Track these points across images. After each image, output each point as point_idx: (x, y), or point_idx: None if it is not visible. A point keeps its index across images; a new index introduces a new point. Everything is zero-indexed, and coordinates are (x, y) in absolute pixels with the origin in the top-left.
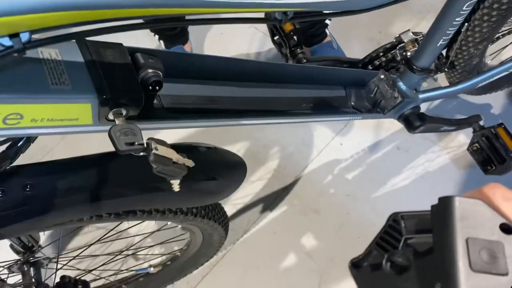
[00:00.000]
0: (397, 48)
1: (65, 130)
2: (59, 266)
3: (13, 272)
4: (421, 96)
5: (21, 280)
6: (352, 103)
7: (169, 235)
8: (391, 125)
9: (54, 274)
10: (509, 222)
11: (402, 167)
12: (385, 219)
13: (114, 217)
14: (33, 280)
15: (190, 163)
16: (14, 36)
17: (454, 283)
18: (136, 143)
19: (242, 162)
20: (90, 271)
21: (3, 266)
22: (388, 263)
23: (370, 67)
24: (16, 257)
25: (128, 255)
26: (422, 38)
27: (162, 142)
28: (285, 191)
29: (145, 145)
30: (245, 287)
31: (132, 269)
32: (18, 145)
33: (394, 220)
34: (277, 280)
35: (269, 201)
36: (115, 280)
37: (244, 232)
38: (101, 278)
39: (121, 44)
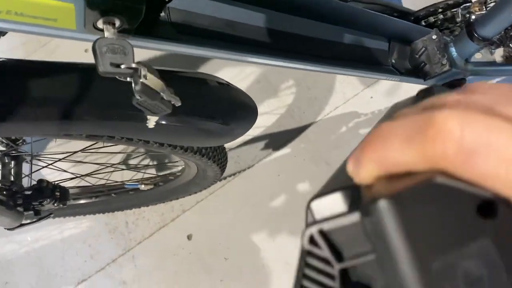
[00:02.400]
0: (461, 7)
1: (39, 30)
2: (43, 165)
3: None
4: (471, 68)
5: None
6: (393, 61)
7: (165, 157)
8: None
9: (30, 174)
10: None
11: None
12: None
13: (87, 138)
14: (11, 174)
15: (177, 101)
16: None
17: None
18: (124, 66)
19: (253, 106)
20: (79, 176)
21: None
22: None
23: (423, 23)
24: None
25: (120, 169)
26: (493, 2)
27: (152, 70)
28: (299, 134)
29: (133, 70)
30: (238, 222)
31: (123, 181)
32: None
33: (312, 242)
34: (272, 222)
35: (280, 141)
36: (104, 187)
37: (247, 167)
38: (87, 186)
39: None
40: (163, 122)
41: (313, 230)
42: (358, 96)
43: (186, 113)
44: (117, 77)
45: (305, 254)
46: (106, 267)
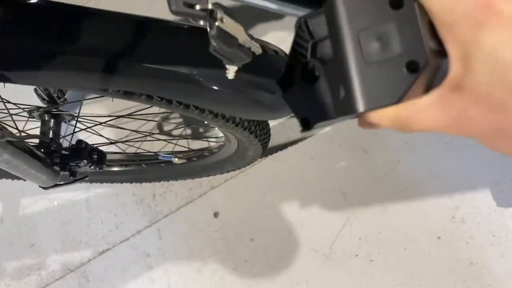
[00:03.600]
0: None
1: None
2: (82, 127)
3: (32, 117)
4: None
5: (38, 128)
6: None
7: (205, 131)
8: None
9: (71, 134)
10: None
11: None
12: (440, 183)
13: (145, 99)
14: (50, 132)
15: (258, 49)
16: None
17: (351, 83)
18: (198, 7)
19: None
20: (114, 142)
21: (23, 109)
22: (300, 78)
23: None
24: (40, 104)
25: (156, 139)
26: None
27: (230, 13)
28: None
29: (209, 11)
30: (267, 203)
31: (157, 152)
32: None
33: (299, 27)
34: (301, 207)
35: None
36: (136, 156)
37: (280, 149)
38: (122, 153)
39: None
40: (218, 88)
41: (302, 19)
42: None
43: (251, 80)
44: (190, 19)
45: (295, 35)
46: (131, 238)
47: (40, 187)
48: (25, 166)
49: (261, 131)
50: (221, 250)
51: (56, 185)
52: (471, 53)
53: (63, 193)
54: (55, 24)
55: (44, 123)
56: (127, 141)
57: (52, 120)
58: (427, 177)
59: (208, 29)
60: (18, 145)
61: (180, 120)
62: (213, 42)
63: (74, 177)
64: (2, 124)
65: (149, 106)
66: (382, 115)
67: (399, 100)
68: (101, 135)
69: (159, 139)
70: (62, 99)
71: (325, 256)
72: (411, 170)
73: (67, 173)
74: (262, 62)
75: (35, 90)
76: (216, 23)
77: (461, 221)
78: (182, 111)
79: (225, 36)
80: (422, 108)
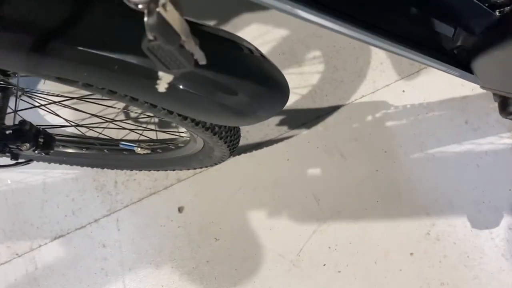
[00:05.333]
0: None
1: None
2: (35, 104)
3: None
4: None
5: None
6: (455, 51)
7: (171, 124)
8: (470, 93)
9: (15, 111)
10: None
11: (461, 144)
12: (418, 197)
13: (83, 86)
14: None
15: (201, 57)
16: None
17: None
18: None
19: (285, 86)
20: (73, 125)
21: None
22: None
23: (497, 12)
24: None
25: (120, 127)
26: None
27: (176, 3)
28: (317, 118)
29: None
30: (235, 202)
31: (119, 140)
32: None
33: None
34: (271, 209)
35: (295, 122)
36: (97, 140)
37: (255, 147)
38: (81, 136)
39: None
40: (179, 86)
41: None
42: (389, 88)
43: (207, 79)
44: (130, 5)
45: None
46: (87, 225)
47: None
48: None
49: (228, 133)
50: (182, 247)
51: None
52: None
53: (18, 171)
54: None
55: None
56: (86, 125)
57: None
58: (405, 189)
59: (145, 17)
60: None
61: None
62: (150, 35)
63: (16, 160)
64: None
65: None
66: None
67: None
68: (57, 115)
69: (122, 127)
70: (10, 71)
71: (292, 263)
72: (389, 181)
73: (8, 156)
74: (233, 61)
75: None
76: (157, 9)
77: (436, 239)
78: (129, 103)
79: (165, 30)
80: None
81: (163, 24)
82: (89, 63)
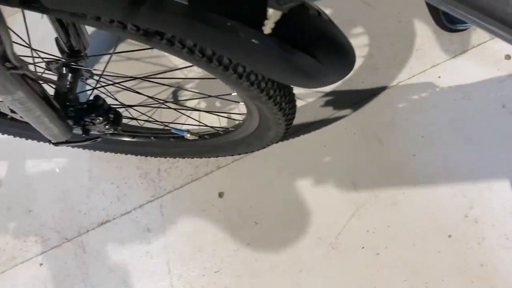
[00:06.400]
0: None
1: None
2: (98, 86)
3: (49, 70)
4: None
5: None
6: None
7: (224, 107)
8: (507, 77)
9: (91, 91)
10: None
11: (498, 127)
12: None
13: (165, 44)
14: (67, 86)
15: None
16: None
17: None
18: None
19: (352, 52)
20: (128, 106)
21: (43, 59)
22: None
23: None
24: (59, 56)
25: (172, 108)
26: None
27: None
28: (353, 104)
29: None
30: (274, 187)
31: (169, 125)
32: None
33: None
34: (309, 194)
35: (331, 109)
36: (146, 128)
37: (291, 134)
38: (134, 118)
39: None
40: (256, 41)
41: None
42: (425, 74)
43: (286, 36)
44: None
45: None
46: (132, 211)
47: (49, 142)
48: (38, 111)
49: (289, 107)
50: (223, 231)
51: (67, 142)
52: None
53: (65, 159)
54: None
55: (61, 77)
56: (143, 105)
57: (70, 75)
58: (442, 173)
59: None
60: (35, 87)
61: (198, 89)
62: None
63: (87, 135)
64: (22, 59)
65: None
66: None
67: None
68: (115, 99)
69: (173, 108)
70: (83, 53)
71: (331, 245)
72: (426, 165)
73: (79, 130)
74: (305, 21)
75: (57, 40)
76: None
77: (474, 221)
78: (203, 64)
79: None
80: None
81: None
82: (180, 15)
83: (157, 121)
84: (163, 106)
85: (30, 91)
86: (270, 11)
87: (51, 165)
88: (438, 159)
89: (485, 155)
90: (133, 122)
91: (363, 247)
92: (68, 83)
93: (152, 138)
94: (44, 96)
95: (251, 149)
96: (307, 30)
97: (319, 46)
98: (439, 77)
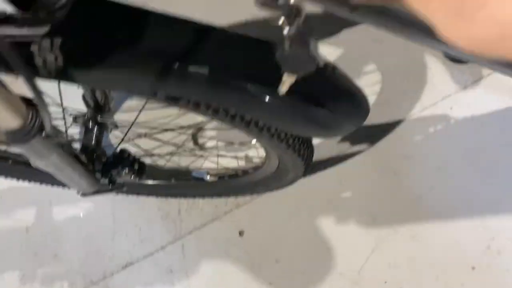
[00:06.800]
0: None
1: None
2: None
3: (76, 123)
4: None
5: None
6: None
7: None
8: None
9: (118, 143)
10: None
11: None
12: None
13: (192, 106)
14: (93, 140)
15: (321, 60)
16: None
17: None
18: (282, 1)
19: (365, 102)
20: (151, 154)
21: (70, 114)
22: None
23: None
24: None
25: (196, 155)
26: None
27: (306, 14)
28: (368, 140)
29: (292, 7)
30: (293, 224)
31: (190, 168)
32: None
33: None
34: (328, 230)
35: (345, 145)
36: (167, 170)
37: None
38: (156, 164)
39: None
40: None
41: None
42: (437, 106)
43: (304, 91)
44: (268, 17)
45: None
46: (155, 253)
47: (79, 194)
48: (69, 169)
49: (307, 152)
50: (245, 270)
51: (95, 192)
52: None
53: (89, 204)
54: (122, 25)
55: (87, 130)
56: (165, 154)
57: (96, 128)
58: (461, 204)
59: (287, 28)
60: (66, 148)
61: (217, 134)
62: (287, 44)
63: (113, 186)
64: (57, 128)
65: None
66: None
67: None
68: (139, 146)
69: (194, 154)
70: (108, 108)
71: (353, 281)
72: (444, 197)
73: (106, 181)
74: (320, 77)
75: (83, 96)
76: (296, 21)
77: (497, 253)
78: (226, 121)
79: (300, 38)
80: None
81: (299, 34)
82: (203, 82)
83: (178, 165)
84: (183, 150)
85: (62, 154)
86: (285, 76)
87: (76, 209)
88: (455, 190)
89: (503, 185)
90: (155, 165)
91: (385, 282)
92: (94, 137)
93: (173, 180)
94: (74, 154)
95: (270, 190)
96: (322, 85)
97: (334, 99)
98: (451, 108)
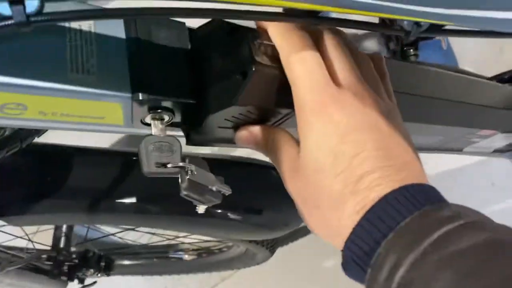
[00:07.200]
0: None
1: (84, 127)
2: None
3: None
4: None
5: None
6: None
7: None
8: None
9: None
10: None
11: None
12: None
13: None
14: (62, 239)
15: (227, 190)
16: (16, 2)
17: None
18: (170, 165)
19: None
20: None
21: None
22: None
23: None
24: None
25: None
26: None
27: (200, 163)
28: None
29: (179, 167)
30: None
31: (167, 250)
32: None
33: None
34: None
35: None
36: (146, 251)
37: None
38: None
39: (183, 24)
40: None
41: None
42: None
43: (232, 206)
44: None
45: None
46: None
47: None
48: (29, 284)
49: (271, 242)
50: None
51: None
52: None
53: None
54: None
55: (56, 229)
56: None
57: (64, 226)
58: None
59: (180, 182)
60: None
61: None
62: (184, 192)
63: (83, 284)
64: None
65: None
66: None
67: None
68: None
69: (167, 238)
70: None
71: None
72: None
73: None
74: (249, 180)
75: None
76: (187, 177)
77: None
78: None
79: (196, 187)
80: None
81: (194, 185)
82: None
83: (156, 247)
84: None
85: (18, 273)
86: (198, 207)
87: None
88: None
89: None
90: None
91: None
92: (63, 235)
93: (154, 259)
94: (33, 268)
95: (247, 266)
96: (258, 189)
97: (271, 200)
98: None
